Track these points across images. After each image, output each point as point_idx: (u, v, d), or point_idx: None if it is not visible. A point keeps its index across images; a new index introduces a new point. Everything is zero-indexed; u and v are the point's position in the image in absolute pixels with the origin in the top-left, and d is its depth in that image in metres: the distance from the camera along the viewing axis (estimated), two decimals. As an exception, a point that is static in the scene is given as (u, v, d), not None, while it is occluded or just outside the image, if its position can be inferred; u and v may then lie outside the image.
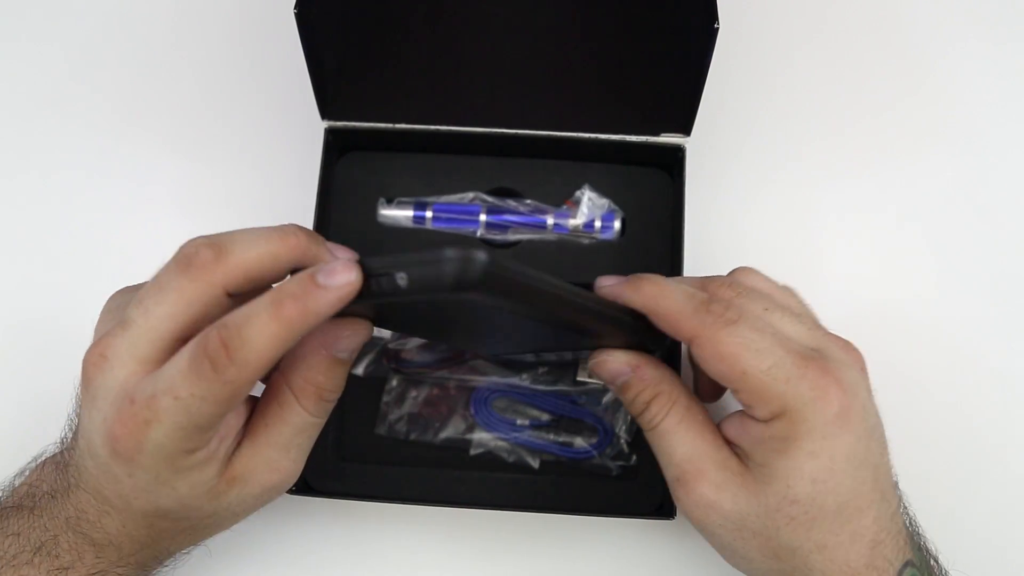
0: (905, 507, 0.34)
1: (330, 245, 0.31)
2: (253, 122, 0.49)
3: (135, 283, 0.33)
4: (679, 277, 0.34)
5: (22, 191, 0.48)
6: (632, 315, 0.32)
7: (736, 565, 0.34)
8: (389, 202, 0.45)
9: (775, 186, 0.48)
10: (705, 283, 0.33)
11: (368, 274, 0.28)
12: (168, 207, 0.48)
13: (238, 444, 0.31)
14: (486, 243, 0.44)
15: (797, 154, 0.49)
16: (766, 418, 0.30)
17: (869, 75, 0.51)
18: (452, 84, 0.43)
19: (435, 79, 0.43)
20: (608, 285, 0.33)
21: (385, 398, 0.43)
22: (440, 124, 0.43)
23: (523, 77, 0.43)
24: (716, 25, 0.37)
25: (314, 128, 0.43)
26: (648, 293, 0.32)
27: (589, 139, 0.44)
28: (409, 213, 0.44)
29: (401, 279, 0.27)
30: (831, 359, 0.31)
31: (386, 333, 0.42)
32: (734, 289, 0.33)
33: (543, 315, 0.29)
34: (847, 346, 0.33)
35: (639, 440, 0.42)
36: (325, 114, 0.43)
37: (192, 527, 0.33)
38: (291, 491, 0.39)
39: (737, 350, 0.30)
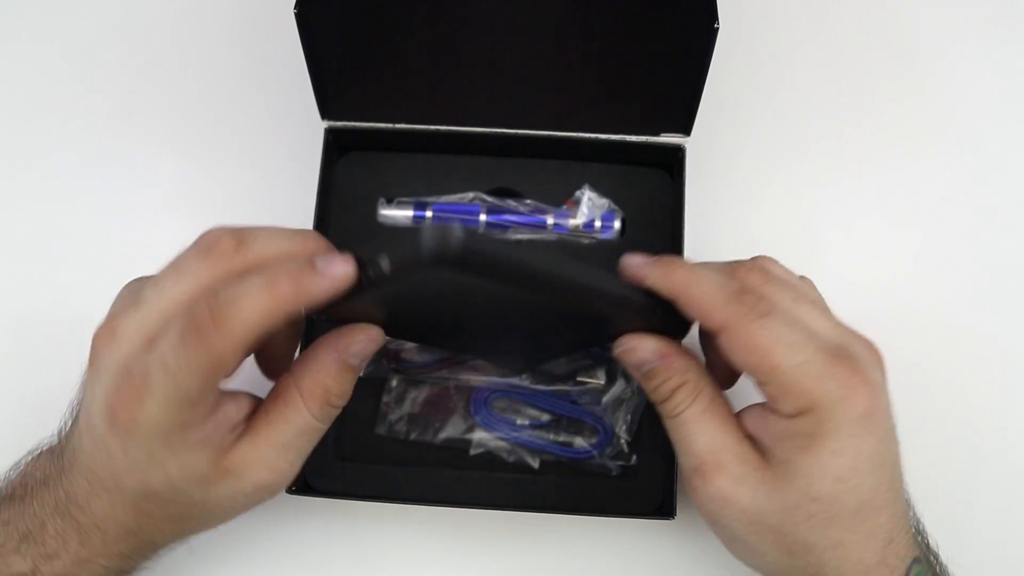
0: (911, 505, 0.34)
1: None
2: (253, 122, 0.49)
3: (150, 274, 0.33)
4: (706, 262, 0.33)
5: (22, 191, 0.48)
6: (648, 296, 0.32)
7: (744, 558, 0.34)
8: (389, 202, 0.44)
9: (775, 186, 0.48)
10: (733, 268, 0.33)
11: (359, 264, 0.28)
12: (168, 207, 0.48)
13: (238, 438, 0.31)
14: None
15: (797, 154, 0.49)
16: (792, 414, 0.30)
17: (869, 74, 0.51)
18: (452, 84, 0.43)
19: (435, 79, 0.43)
20: (636, 264, 0.32)
21: (385, 398, 0.43)
22: (440, 124, 0.43)
23: (523, 77, 0.43)
24: (716, 25, 0.37)
25: (314, 128, 0.43)
26: (679, 279, 0.31)
27: (589, 139, 0.44)
28: (409, 213, 0.44)
29: (384, 263, 0.28)
30: (858, 358, 0.31)
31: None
32: (763, 276, 0.33)
33: (538, 292, 0.29)
34: (869, 345, 0.32)
35: (639, 440, 0.42)
36: (325, 114, 0.43)
37: (179, 516, 0.32)
38: (291, 491, 0.39)
39: (770, 344, 0.30)
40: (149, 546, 0.33)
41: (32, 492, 0.33)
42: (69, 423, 0.34)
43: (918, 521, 0.34)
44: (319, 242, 0.31)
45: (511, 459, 0.42)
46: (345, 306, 0.31)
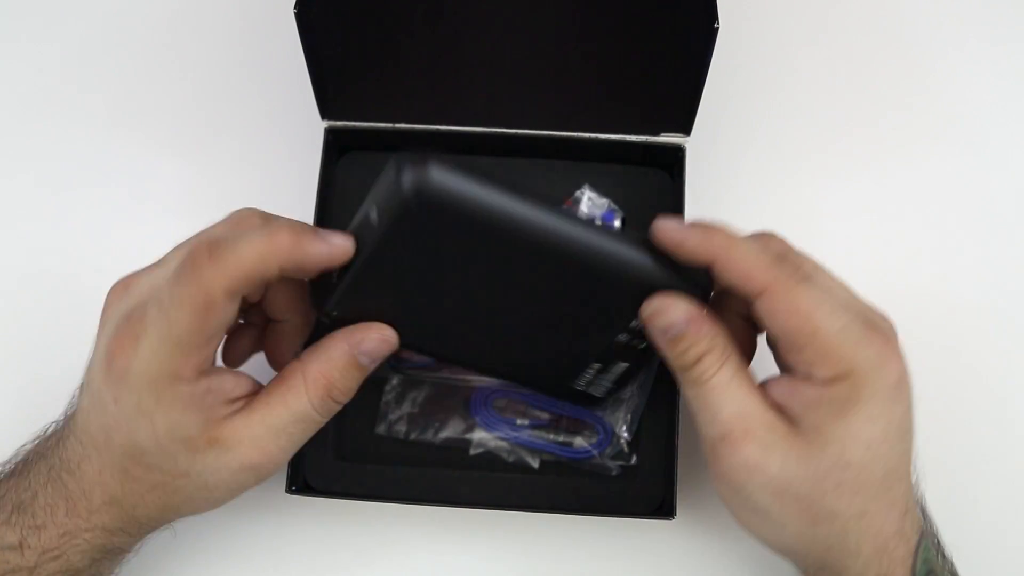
0: (918, 479, 0.34)
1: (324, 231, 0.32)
2: (253, 122, 0.49)
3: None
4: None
5: (22, 191, 0.48)
6: (664, 257, 0.32)
7: (760, 532, 0.33)
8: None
9: (776, 186, 0.48)
10: (757, 237, 0.33)
11: (356, 241, 0.30)
12: (168, 207, 0.48)
13: (233, 414, 0.31)
14: None
15: (797, 154, 0.49)
16: (828, 379, 0.30)
17: (870, 74, 0.51)
18: (452, 84, 0.43)
19: (435, 79, 0.43)
20: (672, 227, 0.32)
21: (385, 398, 0.43)
22: (440, 124, 0.43)
23: (523, 77, 0.43)
24: (716, 25, 0.37)
25: (314, 128, 0.43)
26: (720, 242, 0.31)
27: (589, 139, 0.44)
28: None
29: (373, 214, 0.30)
30: (884, 328, 0.31)
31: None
32: (785, 246, 0.33)
33: (531, 235, 0.30)
34: (886, 317, 0.32)
35: (639, 440, 0.42)
36: (325, 114, 0.43)
37: (163, 485, 0.32)
38: (291, 491, 0.39)
39: (812, 307, 0.30)
40: (132, 523, 0.33)
41: (31, 465, 0.34)
42: (76, 395, 0.34)
43: (922, 496, 0.35)
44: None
45: (511, 459, 0.42)
46: (353, 298, 0.31)
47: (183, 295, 0.29)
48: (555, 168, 0.45)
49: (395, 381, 0.43)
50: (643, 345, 0.35)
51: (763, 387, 0.32)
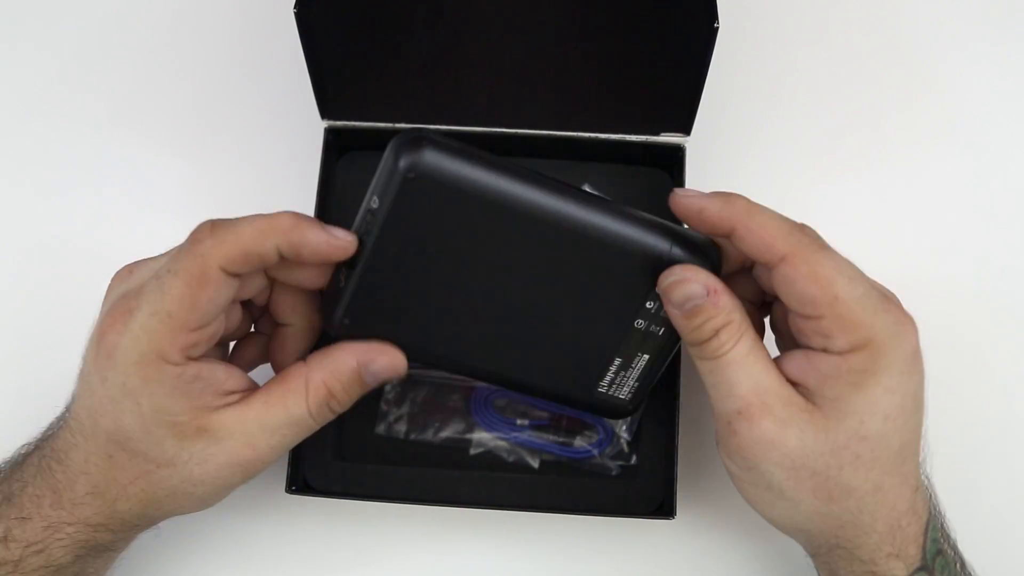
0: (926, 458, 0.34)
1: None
2: (253, 122, 0.49)
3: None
4: None
5: (22, 191, 0.48)
6: (674, 232, 0.32)
7: (772, 511, 0.33)
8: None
9: (776, 186, 0.48)
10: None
11: (359, 234, 0.30)
12: (167, 207, 0.48)
13: (226, 405, 0.31)
14: None
15: (797, 154, 0.49)
16: (846, 349, 0.30)
17: (870, 74, 0.51)
18: (452, 84, 0.43)
19: (435, 79, 0.43)
20: (692, 195, 0.32)
21: (385, 398, 0.43)
22: (440, 124, 0.43)
23: (523, 77, 0.43)
24: (716, 25, 0.37)
25: (314, 128, 0.43)
26: (741, 208, 0.31)
27: (589, 139, 0.44)
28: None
29: (374, 202, 0.30)
30: (897, 301, 0.31)
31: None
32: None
33: (533, 209, 0.30)
34: (889, 291, 0.33)
35: (639, 440, 0.42)
36: (325, 114, 0.43)
37: (146, 474, 0.31)
38: (290, 491, 0.39)
39: (833, 274, 0.30)
40: (114, 518, 0.32)
41: (25, 458, 0.34)
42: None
43: (928, 474, 0.34)
44: None
45: (511, 459, 0.42)
46: (362, 302, 0.31)
47: (179, 267, 0.29)
48: (555, 168, 0.45)
49: (395, 381, 0.43)
50: (661, 331, 0.34)
51: (778, 362, 0.32)
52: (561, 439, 0.42)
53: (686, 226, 0.34)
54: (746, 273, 0.34)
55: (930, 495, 0.34)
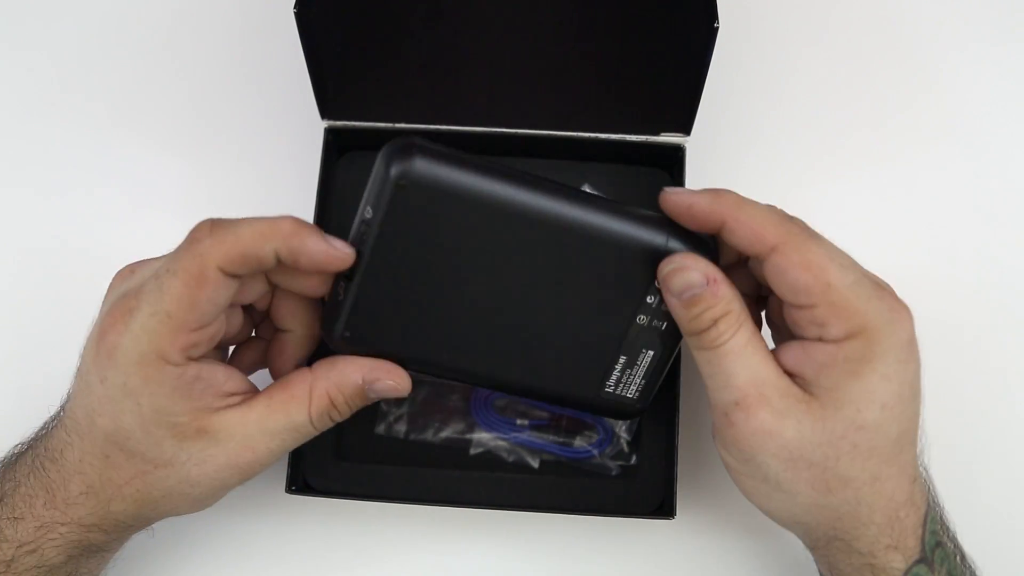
0: (923, 449, 0.34)
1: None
2: (253, 122, 0.49)
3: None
4: None
5: (22, 192, 0.48)
6: (670, 224, 0.32)
7: (770, 504, 0.33)
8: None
9: (776, 186, 0.48)
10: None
11: (356, 246, 0.31)
12: (167, 207, 0.47)
13: (227, 407, 0.31)
14: None
15: (798, 154, 0.49)
16: (841, 337, 0.30)
17: (871, 74, 0.51)
18: (452, 84, 0.43)
19: (435, 79, 0.43)
20: (681, 192, 0.32)
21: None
22: (440, 124, 0.43)
23: (523, 77, 0.43)
24: (716, 25, 0.37)
25: (314, 128, 0.43)
26: (730, 201, 0.31)
27: (589, 139, 0.44)
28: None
29: (368, 212, 0.30)
30: (890, 289, 0.31)
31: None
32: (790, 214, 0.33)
33: (523, 209, 0.30)
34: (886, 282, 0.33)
35: (639, 440, 0.42)
36: (325, 114, 0.43)
37: (142, 475, 0.31)
38: (290, 491, 0.39)
39: (825, 261, 0.30)
40: (108, 518, 0.32)
41: (19, 457, 0.34)
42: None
43: (926, 466, 0.34)
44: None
45: (511, 459, 0.42)
46: (362, 313, 0.31)
47: (178, 267, 0.29)
48: (555, 168, 0.45)
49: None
50: (664, 325, 0.34)
51: (774, 354, 0.32)
52: (561, 439, 0.42)
53: None
54: (741, 267, 0.34)
55: (928, 486, 0.33)
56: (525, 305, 0.33)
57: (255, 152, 0.49)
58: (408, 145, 0.30)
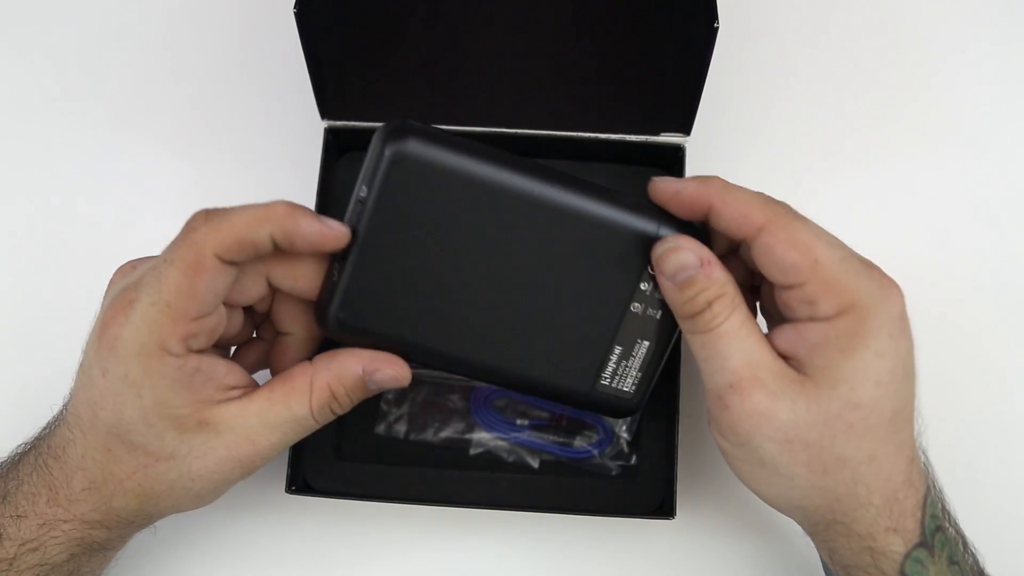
0: (921, 431, 0.34)
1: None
2: (253, 122, 0.49)
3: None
4: None
5: (22, 192, 0.48)
6: (660, 211, 0.33)
7: (767, 489, 0.33)
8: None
9: (775, 186, 0.47)
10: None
11: (351, 226, 0.31)
12: (168, 207, 0.47)
13: (228, 400, 0.31)
14: None
15: (798, 154, 0.49)
16: (832, 314, 0.30)
17: (870, 74, 0.51)
18: (452, 84, 0.43)
19: (435, 79, 0.43)
20: (667, 180, 0.33)
21: (385, 397, 0.43)
22: (440, 124, 0.43)
23: (523, 77, 0.43)
24: (716, 25, 0.37)
25: (314, 128, 0.43)
26: (717, 186, 0.32)
27: (589, 139, 0.44)
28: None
29: (363, 191, 0.31)
30: (878, 267, 0.31)
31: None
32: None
33: (516, 189, 0.31)
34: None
35: (639, 440, 0.42)
36: (325, 114, 0.43)
37: (144, 468, 0.31)
38: (291, 491, 0.39)
39: (811, 239, 0.30)
40: (110, 515, 0.32)
41: (22, 457, 0.34)
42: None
43: (925, 449, 0.34)
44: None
45: (511, 459, 0.42)
46: (356, 295, 0.31)
47: (175, 256, 0.29)
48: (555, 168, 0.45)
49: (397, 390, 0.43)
50: (659, 314, 0.34)
51: (768, 338, 0.32)
52: (561, 439, 0.42)
53: None
54: (733, 257, 0.34)
55: (927, 469, 0.33)
56: (518, 289, 0.33)
57: (255, 152, 0.49)
58: (403, 125, 0.30)
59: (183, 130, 0.49)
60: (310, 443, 0.40)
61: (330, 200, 0.43)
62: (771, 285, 0.32)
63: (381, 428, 0.42)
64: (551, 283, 0.33)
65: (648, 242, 0.32)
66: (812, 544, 0.35)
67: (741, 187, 0.32)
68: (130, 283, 0.31)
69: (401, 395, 0.43)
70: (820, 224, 0.32)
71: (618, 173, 0.45)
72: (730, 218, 0.31)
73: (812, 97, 0.50)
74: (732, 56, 0.43)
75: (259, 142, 0.49)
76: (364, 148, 0.45)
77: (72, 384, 0.33)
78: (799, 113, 0.50)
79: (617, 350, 0.34)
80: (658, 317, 0.34)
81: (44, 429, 0.35)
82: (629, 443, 0.42)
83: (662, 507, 0.40)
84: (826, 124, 0.50)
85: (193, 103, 0.50)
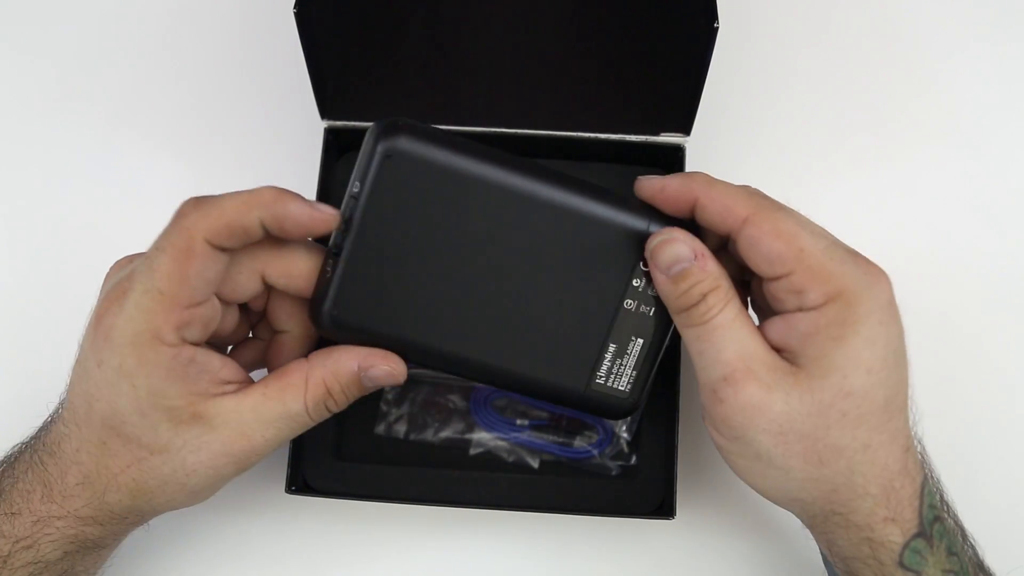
0: (917, 420, 0.34)
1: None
2: (253, 122, 0.49)
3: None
4: None
5: (22, 192, 0.48)
6: (649, 208, 0.33)
7: (764, 483, 0.33)
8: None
9: (775, 186, 0.47)
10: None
11: (344, 218, 0.31)
12: (168, 207, 0.47)
13: (223, 394, 0.31)
14: None
15: (797, 154, 0.49)
16: (820, 302, 0.30)
17: (871, 74, 0.51)
18: (452, 84, 0.43)
19: (435, 79, 0.43)
20: (652, 178, 0.33)
21: (384, 398, 0.43)
22: (440, 124, 0.43)
23: (523, 77, 0.43)
24: (716, 25, 0.37)
25: (314, 128, 0.43)
26: (701, 180, 0.32)
27: (589, 139, 0.44)
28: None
29: (355, 186, 0.31)
30: (864, 256, 0.31)
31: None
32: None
33: (506, 186, 0.31)
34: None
35: (639, 440, 0.42)
36: (325, 114, 0.43)
37: (139, 461, 0.31)
38: (290, 491, 0.39)
39: (795, 228, 0.30)
40: (104, 510, 0.32)
41: (17, 456, 0.34)
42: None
43: (921, 439, 0.34)
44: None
45: (511, 459, 0.42)
46: (350, 291, 0.32)
47: (166, 243, 0.30)
48: (555, 168, 0.45)
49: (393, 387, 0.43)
50: (652, 311, 0.34)
51: (760, 331, 0.32)
52: (561, 439, 0.42)
53: None
54: (723, 254, 0.34)
55: (923, 458, 0.33)
56: (510, 286, 0.33)
57: (255, 152, 0.49)
58: (395, 122, 0.31)
59: (183, 130, 0.49)
60: (310, 443, 0.40)
61: (330, 200, 0.43)
62: (759, 279, 0.32)
63: (381, 428, 0.42)
64: (543, 280, 0.33)
65: (639, 238, 0.33)
66: (811, 544, 0.35)
67: (725, 181, 0.32)
68: (125, 275, 0.31)
69: (401, 395, 0.43)
70: (820, 224, 0.32)
71: (618, 173, 0.45)
72: (714, 211, 0.31)
73: (812, 97, 0.50)
74: (732, 56, 0.43)
75: (259, 142, 0.49)
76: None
77: (69, 377, 0.33)
78: (799, 113, 0.50)
79: (611, 348, 0.34)
80: (651, 313, 0.34)
81: (40, 428, 0.35)
82: (629, 443, 0.42)
83: (662, 507, 0.40)
84: (826, 124, 0.50)
85: (193, 103, 0.50)
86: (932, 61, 0.51)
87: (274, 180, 0.47)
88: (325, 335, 0.33)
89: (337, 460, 0.41)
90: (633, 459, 0.42)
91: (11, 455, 0.35)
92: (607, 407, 0.36)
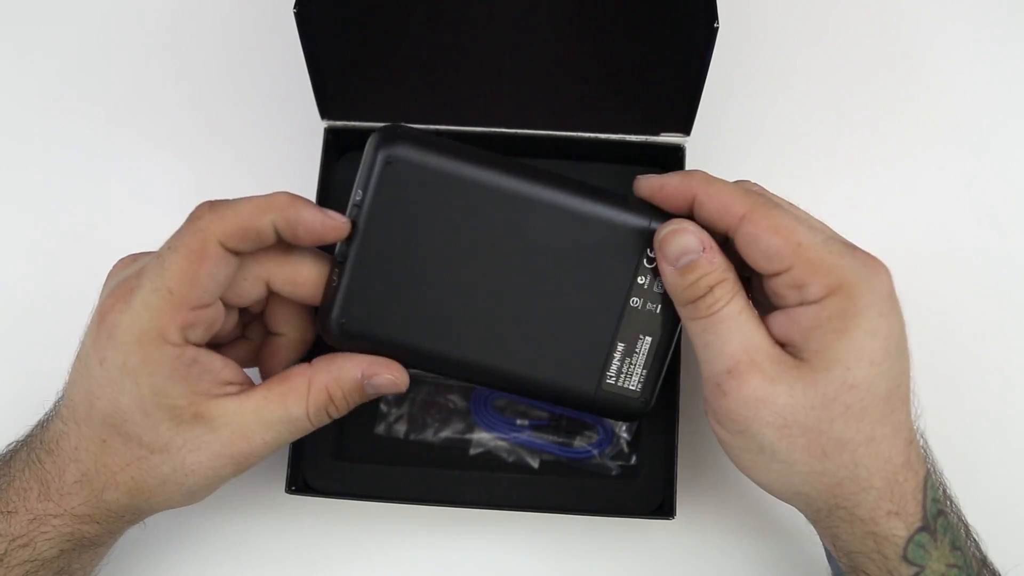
0: (919, 413, 0.34)
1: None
2: (253, 122, 0.49)
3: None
4: None
5: (22, 192, 0.48)
6: (649, 206, 0.33)
7: (767, 477, 0.33)
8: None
9: (775, 186, 0.47)
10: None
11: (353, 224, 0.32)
12: (168, 207, 0.47)
13: (225, 396, 0.32)
14: None
15: (797, 154, 0.49)
16: (821, 296, 0.30)
17: (870, 74, 0.51)
18: (452, 84, 0.43)
19: (435, 79, 0.43)
20: (651, 176, 0.33)
21: (385, 398, 0.43)
22: (440, 124, 0.43)
23: (523, 77, 0.43)
24: (716, 25, 0.37)
25: (314, 128, 0.43)
26: (699, 178, 0.32)
27: (589, 139, 0.44)
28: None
29: (358, 195, 0.31)
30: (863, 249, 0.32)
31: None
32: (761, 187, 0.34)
33: (506, 189, 0.32)
34: None
35: (639, 440, 0.42)
36: (325, 114, 0.43)
37: (138, 460, 0.31)
38: (290, 491, 0.39)
39: (792, 223, 0.30)
40: (101, 508, 0.32)
41: (14, 454, 0.34)
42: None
43: (924, 433, 0.34)
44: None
45: (511, 459, 0.42)
46: (357, 300, 0.32)
47: (179, 243, 0.30)
48: (555, 168, 0.45)
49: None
50: (659, 308, 0.34)
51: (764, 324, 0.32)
52: (561, 439, 0.42)
53: None
54: (724, 250, 0.34)
55: (926, 452, 0.33)
56: (516, 289, 0.33)
57: (255, 152, 0.49)
58: (395, 129, 0.31)
59: (183, 130, 0.49)
60: (310, 443, 0.40)
61: (330, 200, 0.43)
62: (760, 277, 0.32)
63: (381, 428, 0.42)
64: (547, 282, 0.33)
65: (641, 236, 0.33)
66: (812, 544, 0.35)
67: (722, 179, 0.32)
68: (131, 272, 0.31)
69: (401, 395, 0.43)
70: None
71: (618, 173, 0.45)
72: (712, 209, 0.31)
73: (812, 97, 0.50)
74: (732, 56, 0.43)
75: (259, 142, 0.49)
76: (364, 148, 0.45)
77: (69, 374, 0.33)
78: (799, 113, 0.50)
79: (620, 347, 0.34)
80: (658, 311, 0.34)
81: (37, 425, 0.34)
82: (629, 443, 0.42)
83: (662, 507, 0.40)
84: (826, 124, 0.50)
85: (193, 103, 0.50)
86: (932, 61, 0.51)
87: (274, 180, 0.47)
88: (335, 345, 0.33)
89: (337, 460, 0.41)
90: (633, 459, 0.42)
91: (7, 453, 0.34)
92: (620, 408, 0.35)
